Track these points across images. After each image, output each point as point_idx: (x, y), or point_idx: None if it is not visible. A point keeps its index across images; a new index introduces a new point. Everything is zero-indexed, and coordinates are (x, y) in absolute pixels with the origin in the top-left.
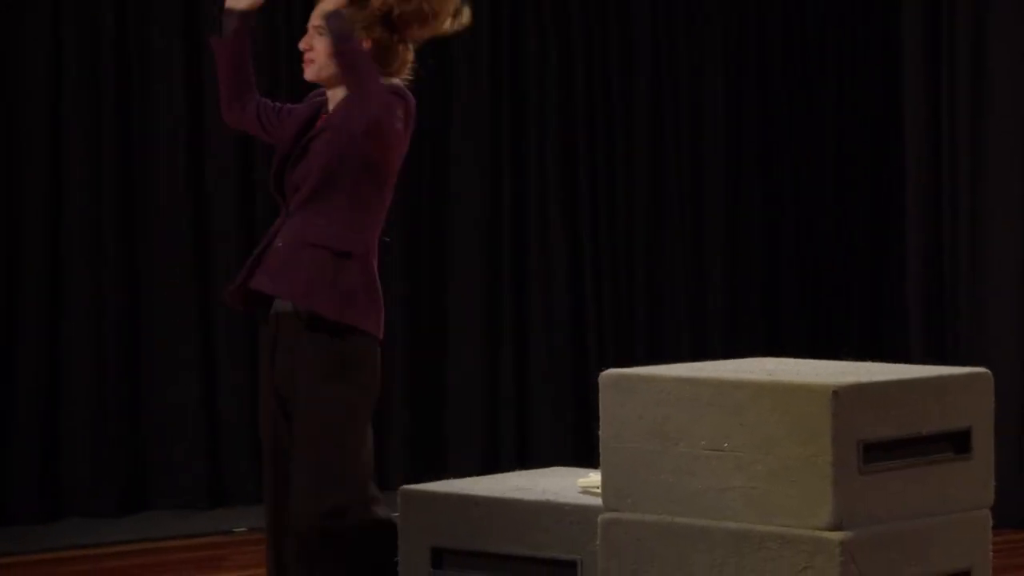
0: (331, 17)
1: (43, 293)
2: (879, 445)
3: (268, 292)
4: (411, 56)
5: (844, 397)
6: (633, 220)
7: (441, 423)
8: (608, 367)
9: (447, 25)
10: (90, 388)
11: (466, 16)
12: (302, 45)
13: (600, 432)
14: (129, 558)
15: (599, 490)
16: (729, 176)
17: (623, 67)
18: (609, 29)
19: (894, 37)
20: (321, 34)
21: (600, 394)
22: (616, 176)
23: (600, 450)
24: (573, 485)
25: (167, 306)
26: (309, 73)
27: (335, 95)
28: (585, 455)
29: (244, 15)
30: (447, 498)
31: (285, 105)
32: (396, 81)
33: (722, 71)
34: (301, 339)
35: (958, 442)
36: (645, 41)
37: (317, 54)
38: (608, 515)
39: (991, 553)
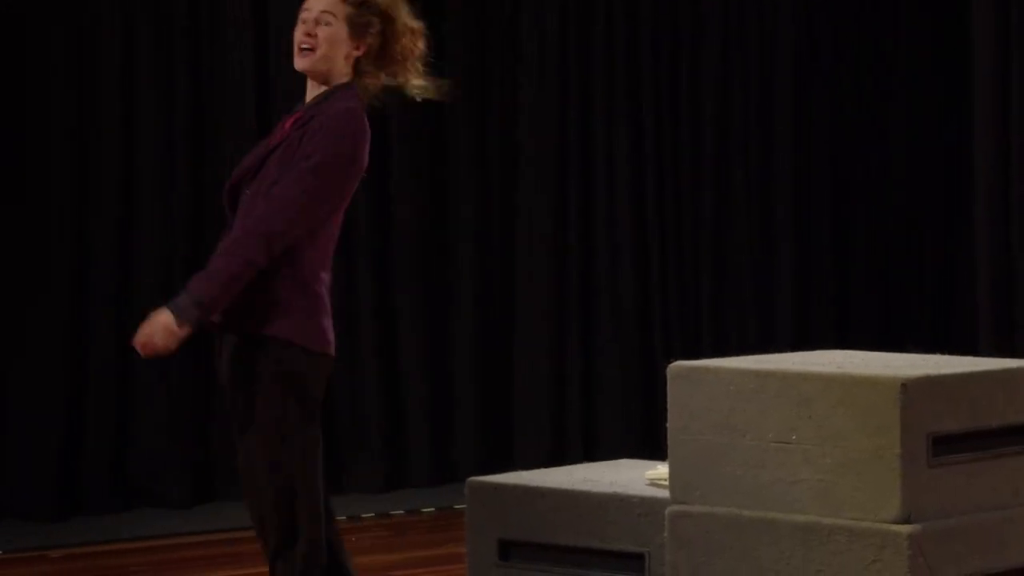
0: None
1: (113, 282)
2: (948, 438)
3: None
4: (417, 51)
5: (913, 390)
6: (700, 212)
7: (508, 415)
8: (675, 359)
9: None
10: (161, 378)
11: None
12: (304, 32)
13: (668, 424)
14: (199, 548)
15: (666, 482)
16: (798, 167)
17: (691, 61)
18: (680, 23)
19: (965, 29)
20: (327, 24)
21: (667, 386)
22: (682, 167)
23: (668, 442)
24: (640, 477)
25: None
26: (305, 63)
27: (313, 88)
28: (652, 447)
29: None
30: (514, 490)
31: None
32: (353, 103)
33: (791, 61)
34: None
35: None
36: (714, 33)
37: (320, 42)
38: (676, 508)
39: None
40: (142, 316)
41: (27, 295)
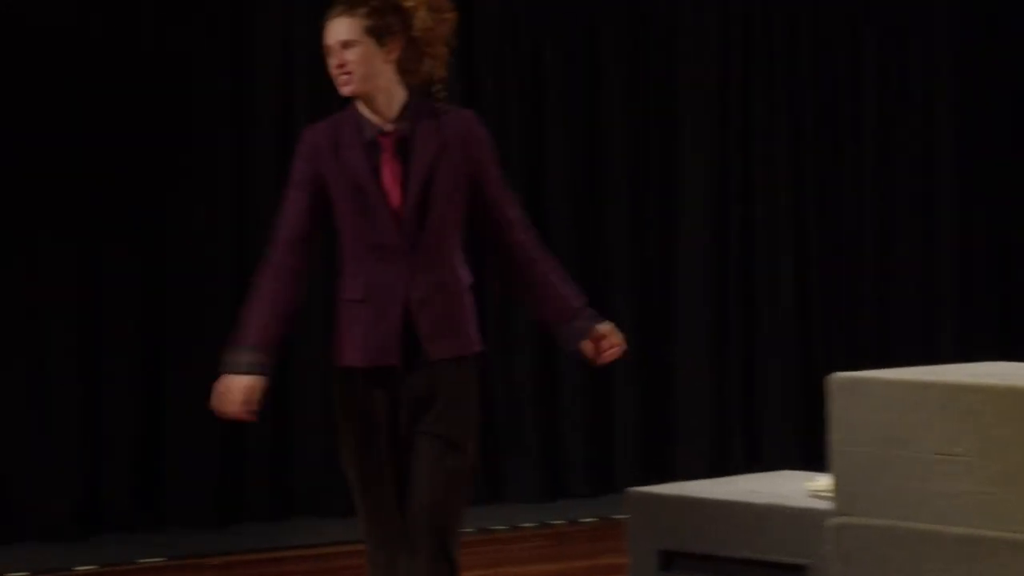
0: None
1: None
2: None
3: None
4: (444, 27)
5: None
6: (861, 222)
7: (669, 426)
8: (837, 370)
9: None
10: (320, 387)
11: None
12: (336, 63)
13: (830, 436)
14: (357, 558)
15: (828, 494)
16: (961, 175)
17: (849, 64)
18: (837, 50)
19: None
20: (351, 47)
21: (829, 398)
22: (843, 175)
23: (830, 454)
24: (802, 489)
25: None
26: (349, 89)
27: (376, 107)
28: (814, 459)
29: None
30: (675, 501)
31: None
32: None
33: (954, 83)
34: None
35: None
36: (871, 53)
37: (354, 66)
38: (838, 519)
39: None
40: (303, 328)
41: (191, 308)
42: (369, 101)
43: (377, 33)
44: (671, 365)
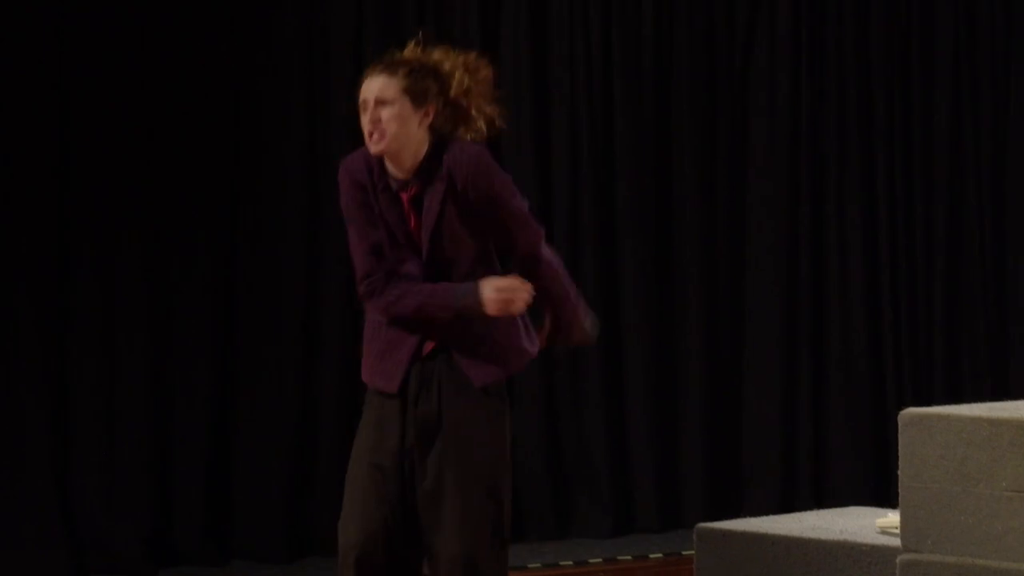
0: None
1: (344, 321)
2: None
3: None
4: (481, 92)
5: None
6: (932, 254)
7: (737, 461)
8: (907, 405)
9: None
10: None
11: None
12: (370, 120)
13: (899, 472)
14: None
15: (897, 531)
16: None
17: (922, 85)
18: (910, 57)
19: None
20: (386, 105)
21: (899, 433)
22: (916, 211)
23: (899, 490)
24: (871, 525)
25: None
26: (378, 148)
27: (400, 163)
28: (883, 495)
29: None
30: (743, 537)
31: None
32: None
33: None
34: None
35: None
36: (945, 68)
37: (388, 125)
38: (907, 556)
39: None
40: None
41: (261, 344)
42: (393, 157)
43: (414, 95)
44: (739, 400)
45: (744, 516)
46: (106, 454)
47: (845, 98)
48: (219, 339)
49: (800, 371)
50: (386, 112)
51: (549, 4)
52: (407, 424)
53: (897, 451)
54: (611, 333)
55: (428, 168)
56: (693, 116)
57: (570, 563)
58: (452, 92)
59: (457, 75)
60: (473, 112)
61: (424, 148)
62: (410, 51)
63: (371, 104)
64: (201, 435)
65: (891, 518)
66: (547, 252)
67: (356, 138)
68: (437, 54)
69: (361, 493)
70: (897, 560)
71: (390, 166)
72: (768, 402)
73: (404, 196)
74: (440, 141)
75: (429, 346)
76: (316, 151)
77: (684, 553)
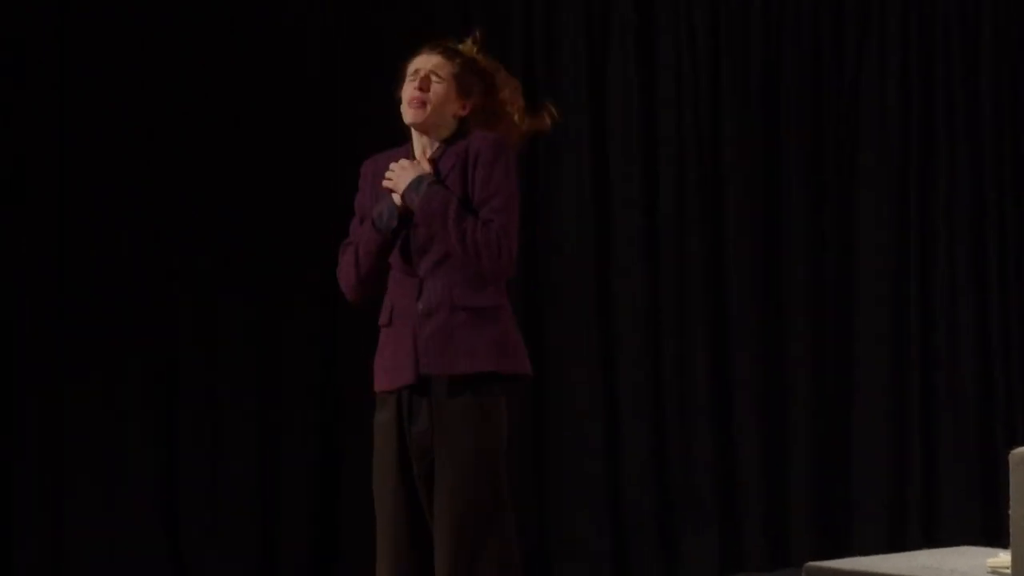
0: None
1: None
2: None
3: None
4: (518, 106)
5: None
6: None
7: (846, 498)
8: (1017, 444)
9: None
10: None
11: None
12: (418, 87)
13: (1010, 511)
14: None
15: (1009, 570)
16: None
17: None
18: (1020, 76)
19: None
20: (437, 80)
21: (1010, 472)
22: None
23: (1010, 529)
24: (982, 565)
25: (571, 348)
26: (417, 116)
27: (424, 142)
28: (994, 534)
29: (404, 217)
30: (852, 575)
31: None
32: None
33: None
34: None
35: None
36: None
37: (434, 97)
38: None
39: None
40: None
41: (363, 380)
42: (424, 130)
43: (461, 84)
44: (847, 437)
45: (853, 554)
46: (212, 495)
47: (954, 120)
48: (325, 379)
49: (909, 407)
50: (435, 87)
51: (657, 40)
52: (408, 447)
53: (1008, 490)
54: (719, 369)
55: (447, 150)
56: (801, 146)
57: None
58: (494, 98)
59: (501, 86)
60: (505, 122)
61: (449, 134)
62: (467, 47)
63: (422, 74)
64: (307, 477)
65: (1002, 558)
66: (493, 232)
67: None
68: (490, 61)
69: (391, 542)
70: None
71: (416, 146)
72: (876, 438)
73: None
74: (466, 131)
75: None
76: None
77: None
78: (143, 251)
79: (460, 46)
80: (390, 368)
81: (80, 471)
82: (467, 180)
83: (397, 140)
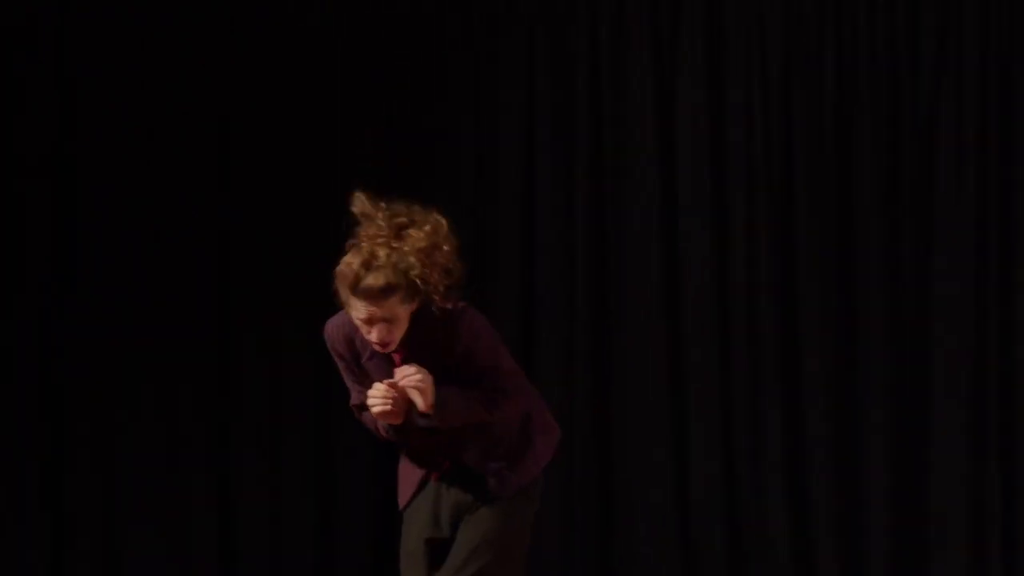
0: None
1: None
2: None
3: None
4: (442, 268)
5: None
6: None
7: (923, 539)
8: None
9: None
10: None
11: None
12: (378, 338)
13: None
14: None
15: None
16: None
17: None
18: None
19: None
20: (394, 321)
21: None
22: None
23: None
24: None
25: (637, 386)
26: (388, 350)
27: None
28: None
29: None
30: None
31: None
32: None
33: None
34: None
35: None
36: None
37: (396, 334)
38: None
39: None
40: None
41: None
42: None
43: (409, 299)
44: (926, 469)
45: None
46: (270, 533)
47: None
48: None
49: (988, 444)
50: (394, 327)
51: (725, 58)
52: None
53: None
54: (790, 400)
55: (413, 334)
56: (875, 175)
57: None
58: (427, 275)
59: (429, 257)
60: (437, 280)
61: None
62: (379, 250)
63: (376, 321)
64: (363, 514)
65: None
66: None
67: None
68: (409, 243)
69: None
70: None
71: None
72: (954, 477)
73: (397, 357)
74: (424, 307)
75: (444, 468)
76: (485, 244)
77: None
78: (197, 265)
79: (380, 250)
80: (404, 492)
81: (134, 495)
82: (439, 346)
83: None
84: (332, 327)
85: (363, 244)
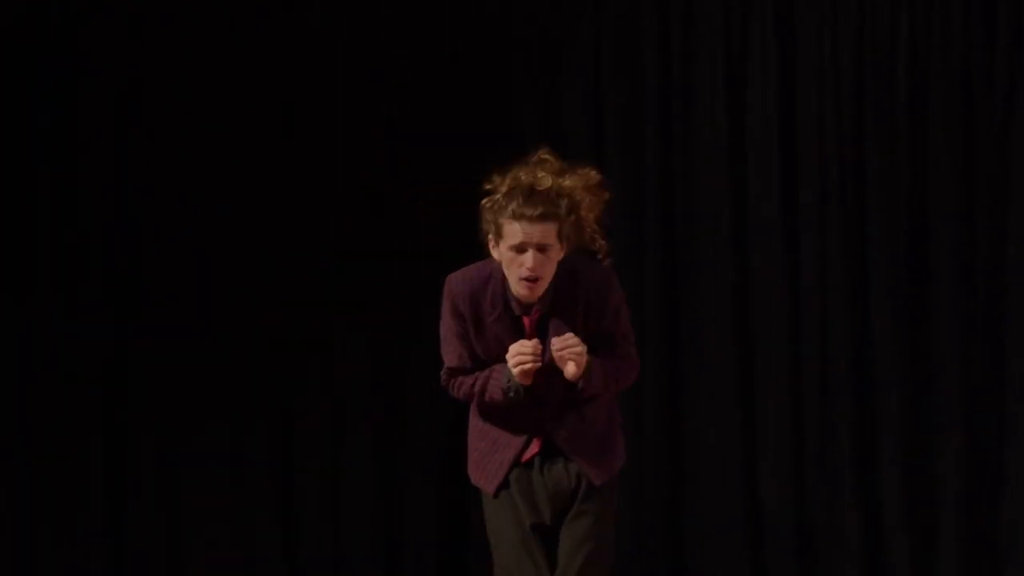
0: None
1: None
2: None
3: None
4: (596, 216)
5: None
6: None
7: (993, 535)
8: None
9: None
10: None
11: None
12: (531, 269)
13: None
14: None
15: None
16: None
17: None
18: None
19: None
20: (547, 252)
21: None
22: None
23: None
24: None
25: (708, 379)
26: (536, 293)
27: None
28: None
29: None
30: None
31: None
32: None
33: None
34: None
35: None
36: None
37: (547, 271)
38: None
39: None
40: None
41: None
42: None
43: (565, 237)
44: (999, 476)
45: None
46: (334, 532)
47: None
48: (447, 407)
49: None
50: (547, 259)
51: (797, 59)
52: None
53: None
54: (863, 397)
55: (557, 292)
56: (950, 178)
57: None
58: (581, 220)
59: (585, 200)
60: (588, 232)
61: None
62: (549, 178)
63: (531, 247)
64: (431, 513)
65: None
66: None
67: None
68: (569, 180)
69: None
70: None
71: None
72: None
73: (527, 320)
74: (567, 264)
75: (534, 449)
76: None
77: None
78: (253, 272)
79: (544, 182)
80: (494, 474)
81: (199, 518)
82: (578, 311)
83: None
84: (458, 281)
85: (524, 172)
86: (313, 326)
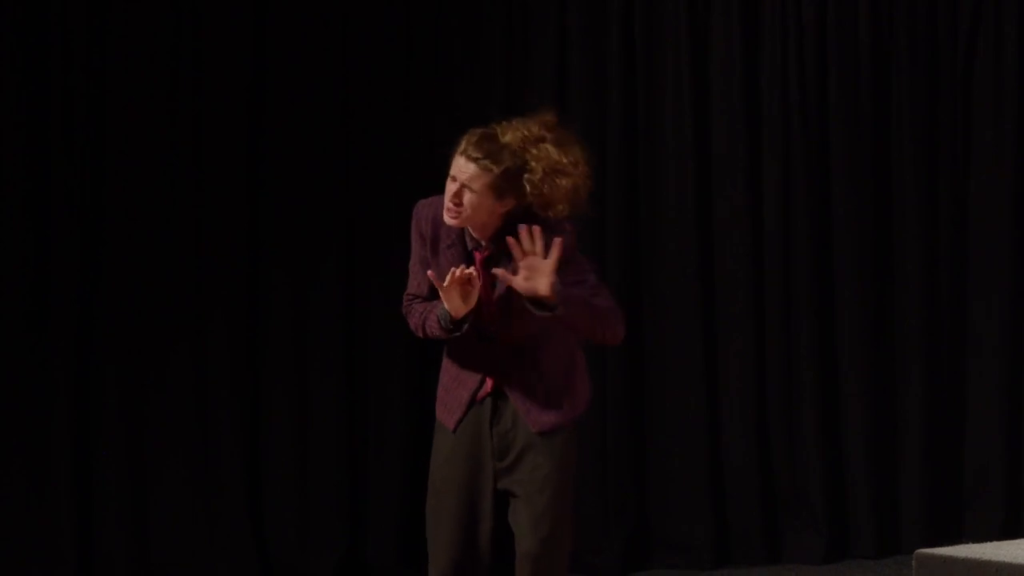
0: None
1: None
2: None
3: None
4: (562, 191)
5: None
6: None
7: (957, 484)
8: None
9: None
10: (594, 445)
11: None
12: (451, 198)
13: None
14: None
15: None
16: None
17: None
18: None
19: None
20: (470, 191)
21: None
22: None
23: None
24: None
25: (672, 352)
26: (452, 223)
27: (474, 230)
28: None
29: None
30: (965, 563)
31: (425, 272)
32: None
33: None
34: None
35: None
36: None
37: (467, 209)
38: None
39: None
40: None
41: None
42: (467, 227)
43: (498, 191)
44: (960, 421)
45: (965, 542)
46: (299, 477)
47: None
48: (413, 361)
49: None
50: (467, 197)
51: (760, 17)
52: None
53: None
54: (826, 352)
55: (502, 257)
56: (914, 135)
57: None
58: (530, 194)
59: (538, 178)
60: (555, 209)
61: (498, 225)
62: (511, 135)
63: (456, 186)
64: (396, 465)
65: None
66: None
67: None
68: (540, 151)
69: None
70: None
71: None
72: (990, 422)
73: (478, 255)
74: (524, 214)
75: (487, 388)
76: None
77: None
78: (225, 230)
79: (501, 135)
80: (453, 410)
81: (164, 459)
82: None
83: None
84: (423, 204)
85: (504, 126)
86: (281, 265)
